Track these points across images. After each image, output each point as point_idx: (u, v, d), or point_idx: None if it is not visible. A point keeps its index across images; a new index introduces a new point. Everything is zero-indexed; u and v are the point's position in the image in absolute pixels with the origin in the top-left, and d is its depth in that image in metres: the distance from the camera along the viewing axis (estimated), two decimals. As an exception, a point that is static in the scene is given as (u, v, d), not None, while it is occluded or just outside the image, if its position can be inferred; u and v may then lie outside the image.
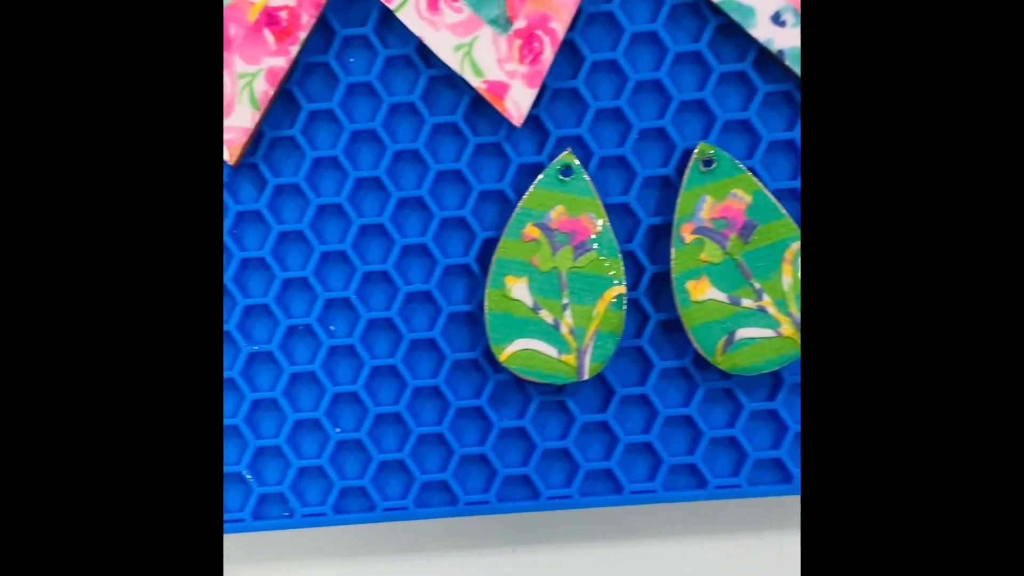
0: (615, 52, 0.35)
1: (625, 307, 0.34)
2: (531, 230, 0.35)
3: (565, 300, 0.35)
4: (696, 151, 0.34)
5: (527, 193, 0.34)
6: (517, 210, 0.35)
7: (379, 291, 0.36)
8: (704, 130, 0.35)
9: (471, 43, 0.34)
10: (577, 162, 0.34)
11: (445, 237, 0.36)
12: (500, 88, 0.35)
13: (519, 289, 0.35)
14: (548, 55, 0.34)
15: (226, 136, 0.35)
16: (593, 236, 0.34)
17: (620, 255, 0.34)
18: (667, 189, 0.35)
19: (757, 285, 0.34)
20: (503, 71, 0.34)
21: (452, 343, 0.36)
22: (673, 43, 0.35)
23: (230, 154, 0.35)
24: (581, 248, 0.34)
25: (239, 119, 0.35)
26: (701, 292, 0.34)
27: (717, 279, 0.34)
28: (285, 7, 0.35)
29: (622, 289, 0.34)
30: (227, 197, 0.36)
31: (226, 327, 0.36)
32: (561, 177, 0.35)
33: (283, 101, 0.36)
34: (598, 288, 0.34)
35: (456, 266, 0.36)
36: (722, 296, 0.34)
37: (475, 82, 0.34)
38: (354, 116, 0.36)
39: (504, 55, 0.34)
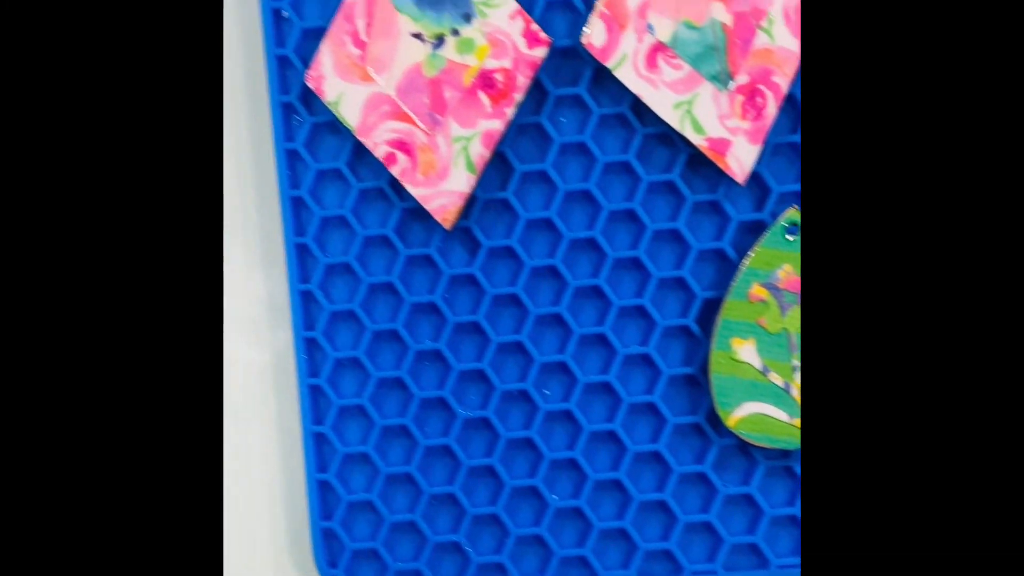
0: (837, 105, 0.34)
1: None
2: (758, 290, 0.34)
3: (795, 362, 0.33)
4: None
5: (752, 252, 0.34)
6: (743, 270, 0.34)
7: (594, 353, 0.36)
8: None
9: (691, 100, 0.34)
10: (800, 223, 0.33)
11: (662, 297, 0.35)
12: (722, 145, 0.34)
13: (747, 351, 0.34)
14: (771, 110, 0.34)
15: (442, 201, 0.35)
16: (822, 295, 0.33)
17: (850, 314, 0.33)
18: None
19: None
20: (725, 127, 0.34)
21: (672, 407, 0.35)
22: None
23: (445, 219, 0.35)
24: (810, 308, 0.33)
25: (455, 183, 0.35)
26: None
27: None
28: (501, 69, 0.34)
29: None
30: (440, 261, 0.36)
31: (436, 392, 0.36)
32: (787, 235, 0.34)
33: (495, 163, 0.36)
34: (816, 348, 0.33)
35: (674, 327, 0.35)
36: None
37: (696, 139, 0.34)
38: (567, 176, 0.35)
39: (726, 111, 0.34)
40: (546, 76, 0.35)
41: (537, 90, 0.35)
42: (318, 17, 0.35)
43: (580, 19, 0.35)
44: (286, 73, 0.36)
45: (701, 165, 0.35)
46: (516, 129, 0.35)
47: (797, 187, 0.34)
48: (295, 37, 0.36)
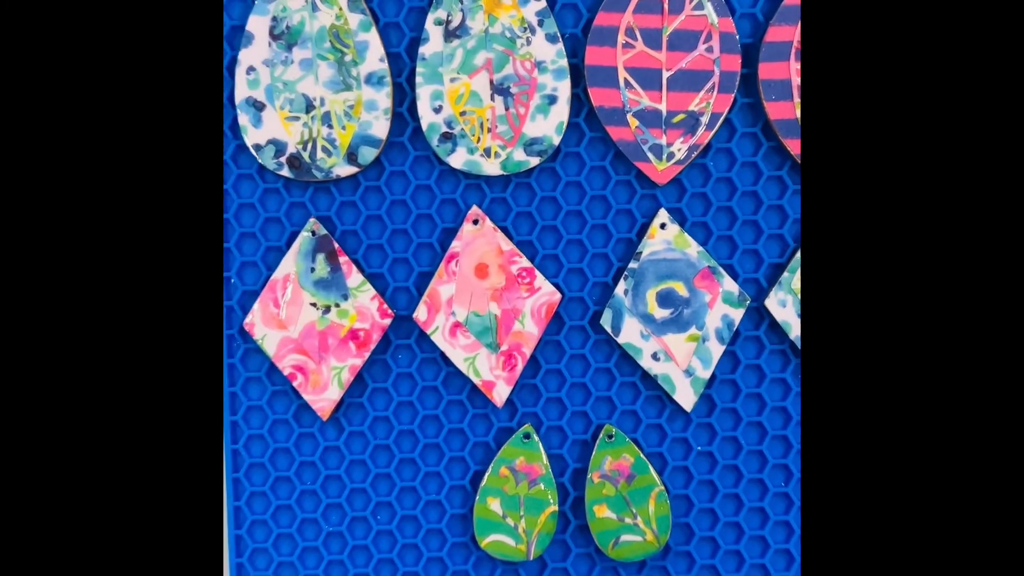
0: (559, 364, 0.58)
1: (556, 519, 0.57)
2: (504, 471, 0.57)
3: (521, 513, 0.57)
4: (603, 430, 0.57)
5: (503, 449, 0.57)
6: (496, 458, 0.57)
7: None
8: (609, 413, 0.58)
9: (474, 357, 0.57)
10: (533, 431, 0.57)
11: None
12: (490, 385, 0.57)
13: (495, 505, 0.58)
14: (520, 366, 0.57)
15: (322, 404, 0.57)
16: (539, 476, 0.57)
17: (556, 487, 0.57)
18: (585, 448, 0.58)
19: (634, 509, 0.57)
20: (492, 375, 0.57)
21: (453, 531, 0.59)
22: (593, 361, 0.58)
23: (323, 414, 0.57)
24: (533, 483, 0.57)
25: (331, 394, 0.57)
26: (602, 512, 0.58)
27: (611, 506, 0.57)
28: (363, 329, 0.57)
29: (555, 508, 0.57)
30: (318, 438, 0.58)
31: None
32: (523, 440, 0.57)
33: (357, 379, 0.58)
34: (541, 507, 0.57)
35: (457, 486, 0.59)
36: (613, 516, 0.58)
37: (476, 380, 0.57)
38: (400, 392, 0.58)
39: (494, 365, 0.57)
40: (391, 331, 0.58)
41: (385, 340, 0.58)
42: (253, 284, 0.57)
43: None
44: (231, 318, 0.58)
45: (480, 395, 0.58)
46: (371, 362, 0.58)
47: (533, 409, 0.58)
48: (237, 296, 0.57)
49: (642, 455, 0.57)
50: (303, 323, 0.57)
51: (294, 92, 0.56)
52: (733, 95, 0.55)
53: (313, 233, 0.56)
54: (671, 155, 0.56)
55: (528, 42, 0.55)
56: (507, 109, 0.56)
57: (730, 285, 0.56)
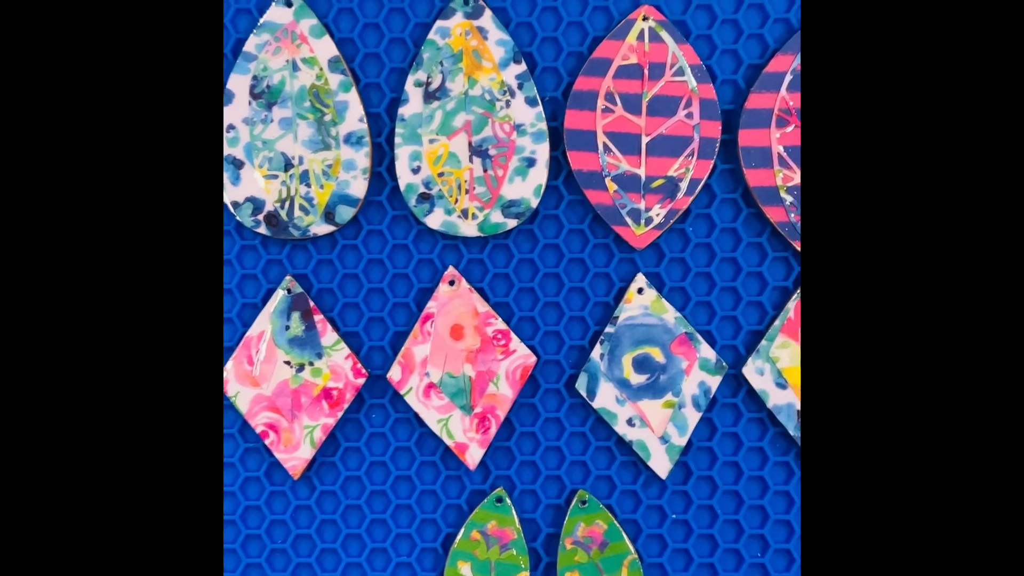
0: (534, 427, 0.57)
1: (528, 585, 0.57)
2: (475, 534, 0.57)
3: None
4: (577, 495, 0.57)
5: (475, 511, 0.57)
6: (468, 521, 0.57)
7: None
8: (583, 478, 0.58)
9: (448, 419, 0.57)
10: (506, 495, 0.57)
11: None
12: (463, 447, 0.57)
13: (466, 569, 0.57)
14: (494, 429, 0.57)
15: (294, 463, 0.57)
16: (511, 541, 0.57)
17: (528, 552, 0.57)
18: (559, 513, 0.57)
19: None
20: (466, 437, 0.57)
21: (422, 595, 0.58)
22: (568, 425, 0.57)
23: (295, 473, 0.57)
24: (504, 547, 0.57)
25: (303, 452, 0.57)
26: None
27: (584, 573, 0.57)
28: (336, 388, 0.57)
29: (527, 574, 0.56)
30: (289, 496, 0.58)
31: None
32: (496, 503, 0.57)
33: (330, 439, 0.58)
34: (512, 572, 0.57)
35: (428, 548, 0.58)
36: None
37: (449, 441, 0.57)
38: (373, 451, 0.58)
39: (468, 427, 0.57)
40: (365, 390, 0.58)
41: (358, 399, 0.58)
42: (228, 340, 0.57)
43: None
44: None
45: (452, 457, 0.58)
46: (344, 421, 0.58)
47: (507, 472, 0.58)
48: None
49: (616, 522, 0.56)
50: (276, 381, 0.57)
51: (273, 151, 0.56)
52: (713, 161, 0.55)
53: (289, 291, 0.56)
54: (649, 220, 0.55)
55: (507, 104, 0.55)
56: (485, 171, 0.56)
57: (707, 352, 0.56)
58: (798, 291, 0.55)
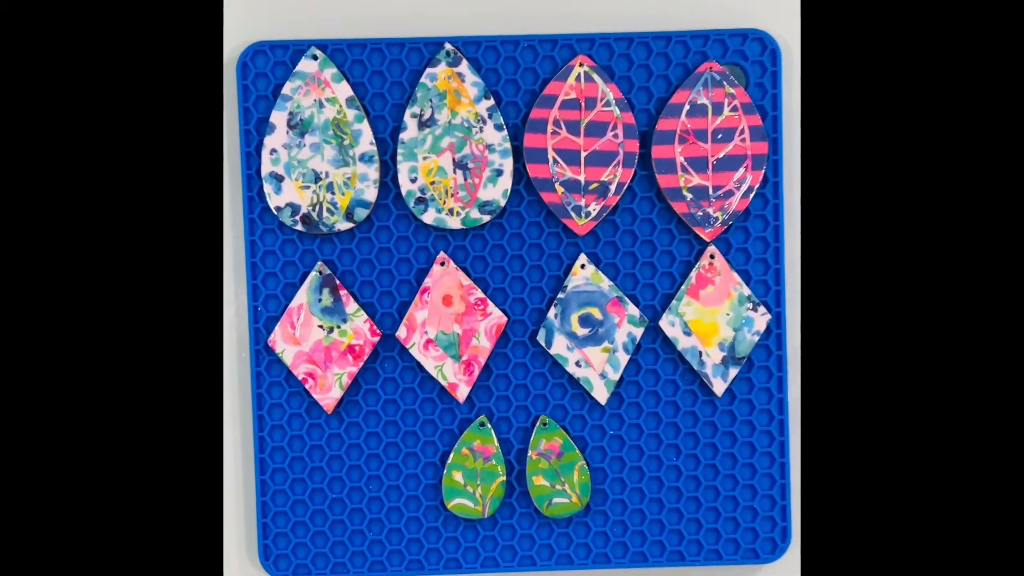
0: (507, 370, 0.76)
1: (504, 486, 0.76)
2: (465, 451, 0.76)
3: (478, 482, 0.76)
4: (539, 419, 0.76)
5: (464, 434, 0.76)
6: (458, 441, 0.76)
7: (393, 472, 0.78)
8: (544, 407, 0.77)
9: (442, 365, 0.76)
10: (487, 421, 0.76)
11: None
12: (454, 387, 0.76)
13: (458, 476, 0.76)
14: (477, 372, 0.76)
15: (327, 401, 0.76)
16: (491, 455, 0.76)
17: (504, 463, 0.76)
18: (526, 433, 0.77)
19: (563, 479, 0.76)
20: (456, 378, 0.76)
21: (427, 497, 0.77)
22: (531, 368, 0.77)
23: (328, 408, 0.76)
24: (487, 460, 0.76)
25: (334, 393, 0.76)
26: (539, 481, 0.76)
27: (546, 476, 0.76)
28: (358, 344, 0.75)
29: (504, 478, 0.76)
30: (324, 427, 0.77)
31: None
32: (480, 427, 0.76)
33: (353, 383, 0.77)
34: (493, 478, 0.76)
35: (429, 463, 0.77)
36: (547, 484, 0.76)
37: (443, 382, 0.76)
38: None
39: (457, 371, 0.76)
40: (379, 346, 0.76)
41: (375, 353, 0.76)
42: (274, 311, 0.76)
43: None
44: (258, 337, 0.76)
45: (446, 394, 0.77)
46: (364, 370, 0.76)
47: (488, 404, 0.77)
48: (263, 320, 0.76)
49: (569, 438, 0.76)
50: (313, 340, 0.75)
51: (306, 168, 0.74)
52: (633, 169, 0.75)
53: (320, 273, 0.75)
54: (588, 213, 0.75)
55: (481, 130, 0.74)
56: (466, 179, 0.74)
57: (633, 310, 0.75)
58: (699, 263, 0.75)
